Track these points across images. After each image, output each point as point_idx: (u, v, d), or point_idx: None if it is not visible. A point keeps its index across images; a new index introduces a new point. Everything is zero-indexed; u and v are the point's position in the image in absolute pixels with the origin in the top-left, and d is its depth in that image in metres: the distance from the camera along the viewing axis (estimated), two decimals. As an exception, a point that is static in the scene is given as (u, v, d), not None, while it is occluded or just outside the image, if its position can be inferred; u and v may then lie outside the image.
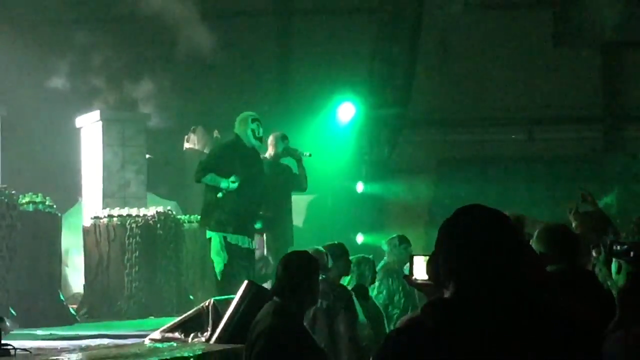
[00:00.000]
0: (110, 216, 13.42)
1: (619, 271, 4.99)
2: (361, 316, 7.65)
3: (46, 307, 12.00)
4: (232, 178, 10.21)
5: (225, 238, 10.34)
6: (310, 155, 11.33)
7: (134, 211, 13.42)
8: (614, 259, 4.87)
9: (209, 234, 10.54)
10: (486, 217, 2.89)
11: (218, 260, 10.30)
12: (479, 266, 2.80)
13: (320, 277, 7.32)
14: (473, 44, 18.18)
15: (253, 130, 10.52)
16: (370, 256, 8.87)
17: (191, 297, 13.34)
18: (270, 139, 11.26)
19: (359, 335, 7.51)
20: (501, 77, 18.01)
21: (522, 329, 2.74)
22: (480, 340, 2.71)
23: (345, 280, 8.18)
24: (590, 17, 17.88)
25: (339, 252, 7.89)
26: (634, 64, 18.26)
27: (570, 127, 18.24)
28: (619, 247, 4.75)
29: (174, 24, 16.67)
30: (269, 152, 11.18)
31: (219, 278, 10.33)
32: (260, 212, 10.80)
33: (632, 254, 4.62)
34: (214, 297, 8.54)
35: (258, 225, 10.85)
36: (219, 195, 10.34)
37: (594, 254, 5.23)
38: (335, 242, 8.26)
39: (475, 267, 2.80)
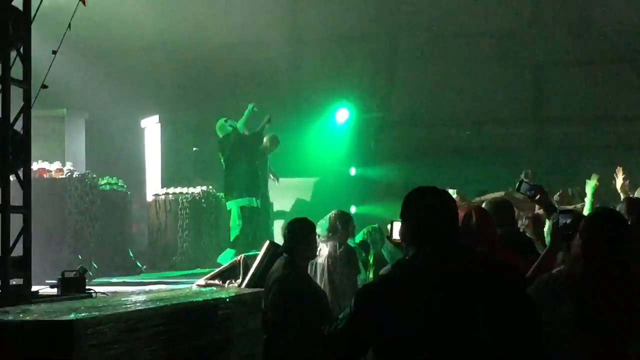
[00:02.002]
0: (166, 193, 13.39)
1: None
2: (362, 274, 7.12)
3: (119, 261, 12.00)
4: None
5: (241, 206, 10.44)
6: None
7: (184, 190, 13.38)
8: (547, 226, 4.83)
9: (229, 205, 10.65)
10: (436, 194, 2.85)
11: (235, 227, 10.40)
12: (435, 229, 2.76)
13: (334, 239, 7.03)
14: (437, 64, 18.06)
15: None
16: (376, 225, 8.13)
17: (227, 253, 13.32)
18: (267, 138, 11.86)
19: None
20: (457, 88, 17.90)
21: (468, 274, 2.70)
22: (436, 286, 2.66)
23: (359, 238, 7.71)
24: (524, 43, 17.84)
25: (348, 218, 7.27)
26: (556, 79, 18.19)
27: (509, 125, 18.16)
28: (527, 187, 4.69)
29: (212, 53, 16.59)
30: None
31: (232, 242, 10.46)
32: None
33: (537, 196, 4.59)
34: (243, 254, 8.51)
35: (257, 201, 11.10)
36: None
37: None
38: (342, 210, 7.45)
39: (430, 230, 2.76)
